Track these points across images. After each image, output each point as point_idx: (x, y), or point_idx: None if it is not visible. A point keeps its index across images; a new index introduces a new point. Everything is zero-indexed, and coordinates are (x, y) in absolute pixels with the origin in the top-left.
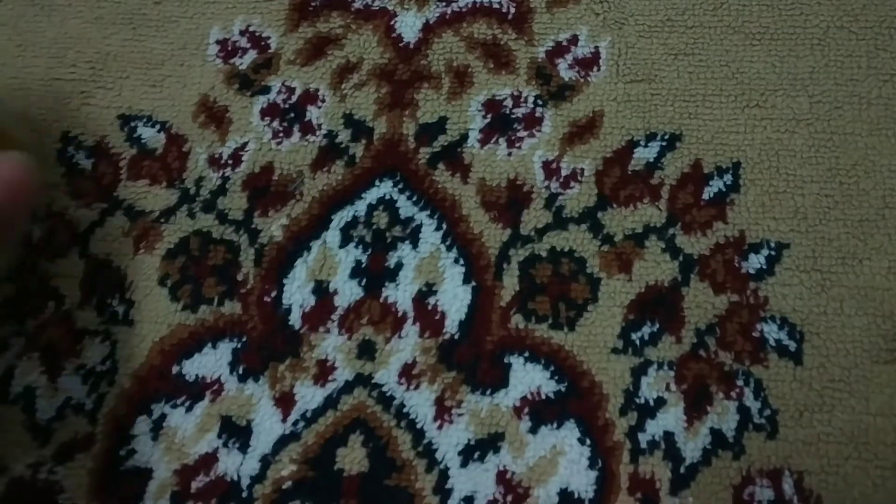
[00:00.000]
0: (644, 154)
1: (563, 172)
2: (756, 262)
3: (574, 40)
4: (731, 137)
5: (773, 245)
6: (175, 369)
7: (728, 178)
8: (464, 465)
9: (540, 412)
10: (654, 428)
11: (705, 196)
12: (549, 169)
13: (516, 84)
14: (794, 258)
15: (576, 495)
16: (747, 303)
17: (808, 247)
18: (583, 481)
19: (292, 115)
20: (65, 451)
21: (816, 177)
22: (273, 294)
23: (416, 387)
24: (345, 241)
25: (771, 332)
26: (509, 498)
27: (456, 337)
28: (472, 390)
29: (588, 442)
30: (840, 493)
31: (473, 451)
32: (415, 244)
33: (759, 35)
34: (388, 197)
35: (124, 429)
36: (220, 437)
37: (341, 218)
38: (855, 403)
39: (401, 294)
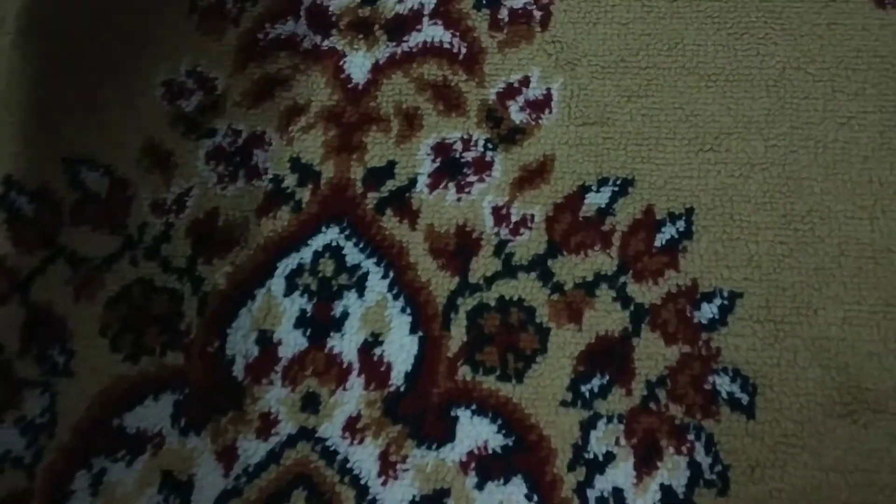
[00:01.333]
0: (595, 199)
1: (513, 218)
2: (709, 311)
3: (526, 81)
4: (684, 182)
5: (726, 294)
6: (116, 422)
7: (681, 224)
8: None
9: (487, 467)
10: (603, 483)
11: (657, 243)
12: (499, 215)
13: (466, 127)
14: (747, 308)
15: None
16: (699, 354)
17: (761, 296)
18: None
19: (238, 158)
20: None
21: (771, 223)
22: (216, 344)
23: (361, 441)
24: (290, 289)
25: (723, 384)
26: None
27: (402, 389)
28: (417, 444)
29: (535, 498)
30: None
31: None
32: (361, 293)
33: (714, 76)
34: (334, 244)
35: (63, 484)
36: (160, 492)
37: (286, 265)
38: (808, 459)
39: (346, 344)
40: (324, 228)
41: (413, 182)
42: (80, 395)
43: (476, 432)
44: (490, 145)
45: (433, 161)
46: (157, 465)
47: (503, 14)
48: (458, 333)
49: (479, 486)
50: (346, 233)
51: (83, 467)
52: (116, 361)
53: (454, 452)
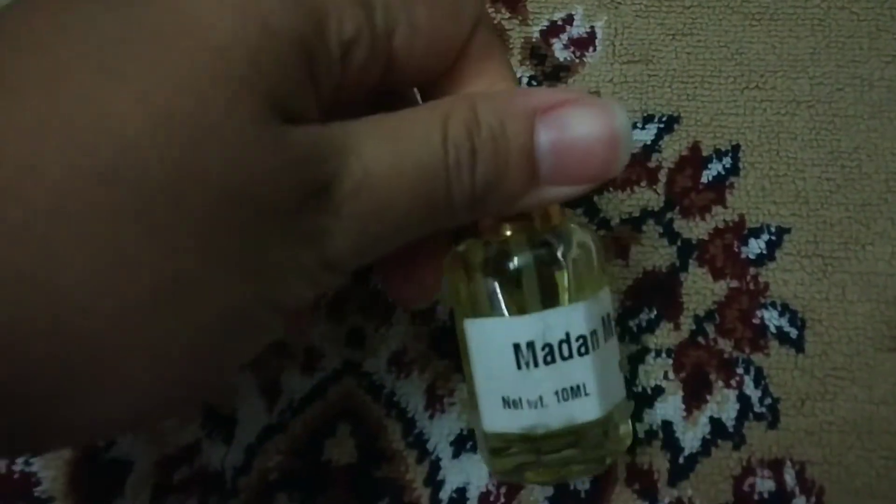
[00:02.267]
0: (641, 136)
1: None
2: (756, 247)
3: (569, 20)
4: (730, 120)
5: (773, 230)
6: None
7: (727, 161)
8: (456, 455)
9: None
10: (653, 417)
11: (704, 179)
12: None
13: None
14: (794, 243)
15: (572, 486)
16: (747, 289)
17: (809, 231)
18: None
19: None
20: None
21: (818, 160)
22: None
23: (407, 375)
24: None
25: (772, 318)
26: (503, 489)
27: (448, 324)
28: (463, 378)
29: None
30: (843, 484)
31: (466, 442)
32: None
33: (758, 15)
34: None
35: None
36: (203, 427)
37: None
38: (858, 392)
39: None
40: None
41: None
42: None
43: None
44: (534, 83)
45: None
46: (198, 402)
47: None
48: None
49: None
50: None
51: None
52: None
53: None
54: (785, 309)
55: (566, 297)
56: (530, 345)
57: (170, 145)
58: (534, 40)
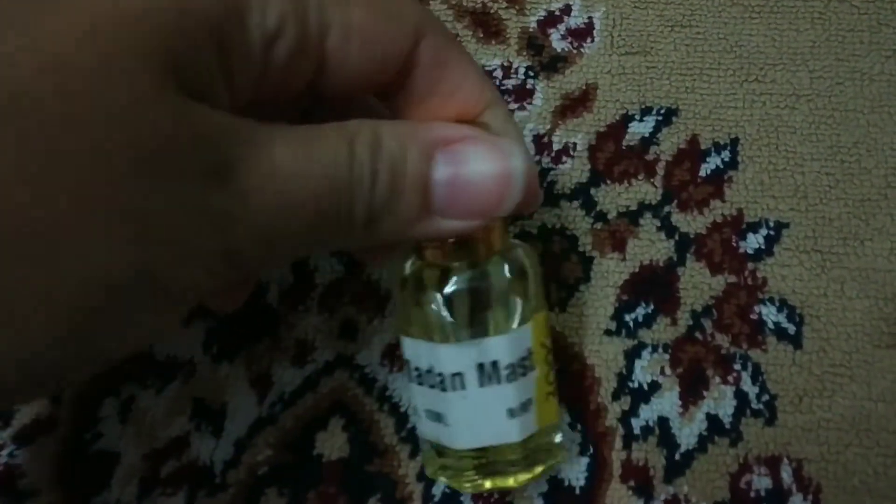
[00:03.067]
0: (639, 129)
1: (555, 147)
2: (754, 241)
3: (567, 10)
4: (728, 113)
5: (771, 224)
6: (145, 349)
7: (726, 154)
8: None
9: None
10: (648, 413)
11: (702, 173)
12: (541, 143)
13: (507, 54)
14: (793, 238)
15: (566, 482)
16: (745, 284)
17: (808, 226)
18: (573, 468)
19: None
20: (27, 433)
21: (817, 154)
22: None
23: (401, 368)
24: None
25: (769, 314)
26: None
27: None
28: None
29: (579, 427)
30: (840, 482)
31: None
32: None
33: (758, 7)
34: None
35: (90, 411)
36: (192, 420)
37: None
38: (856, 389)
39: (386, 273)
40: None
41: None
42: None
43: None
44: (531, 73)
45: None
46: (188, 393)
47: None
48: None
49: None
50: None
51: (111, 394)
52: None
53: None
54: (783, 304)
55: (493, 326)
56: (440, 372)
57: (56, 92)
58: (531, 30)
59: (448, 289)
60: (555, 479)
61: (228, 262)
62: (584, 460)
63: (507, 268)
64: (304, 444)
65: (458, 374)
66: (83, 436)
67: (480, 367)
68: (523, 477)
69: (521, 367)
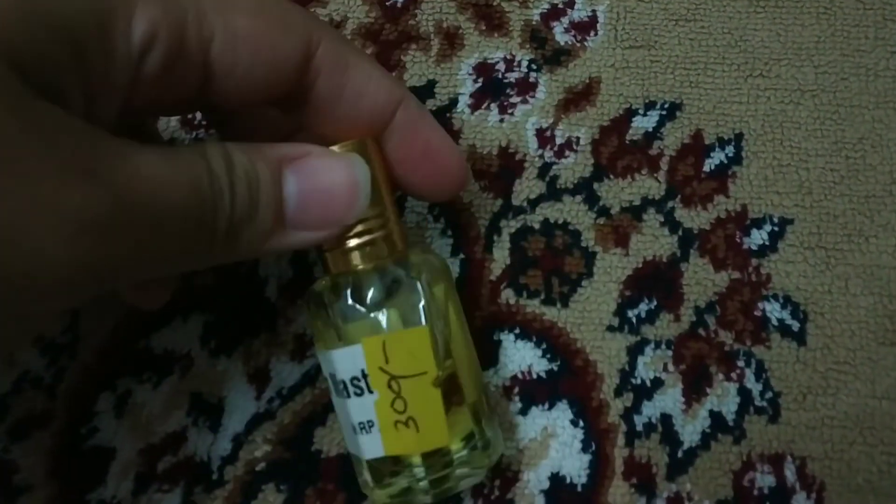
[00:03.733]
0: (643, 123)
1: (558, 141)
2: (758, 237)
3: (570, 3)
4: (733, 108)
5: (776, 220)
6: (142, 343)
7: (730, 149)
8: None
9: (531, 392)
10: (651, 410)
11: (706, 168)
12: (543, 137)
13: (509, 47)
14: (797, 234)
15: (568, 480)
16: (749, 280)
17: (812, 223)
18: (575, 465)
19: None
20: (21, 428)
21: (821, 150)
22: (249, 264)
23: None
24: None
25: (773, 311)
26: (497, 482)
27: None
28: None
29: (581, 424)
30: (844, 480)
31: None
32: (400, 214)
33: (763, 2)
34: None
35: (86, 405)
36: (189, 415)
37: None
38: (860, 386)
39: None
40: None
41: (454, 102)
42: (104, 314)
43: (520, 357)
44: (534, 66)
45: (475, 81)
46: (185, 387)
47: None
48: (500, 256)
49: (523, 412)
50: None
51: (107, 388)
52: None
53: (497, 377)
54: (787, 301)
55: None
56: (336, 378)
57: None
58: (534, 23)
59: (352, 295)
60: (556, 476)
61: (88, 274)
62: (587, 457)
63: (409, 272)
64: (303, 440)
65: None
66: (79, 430)
67: (332, 376)
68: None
69: (354, 387)
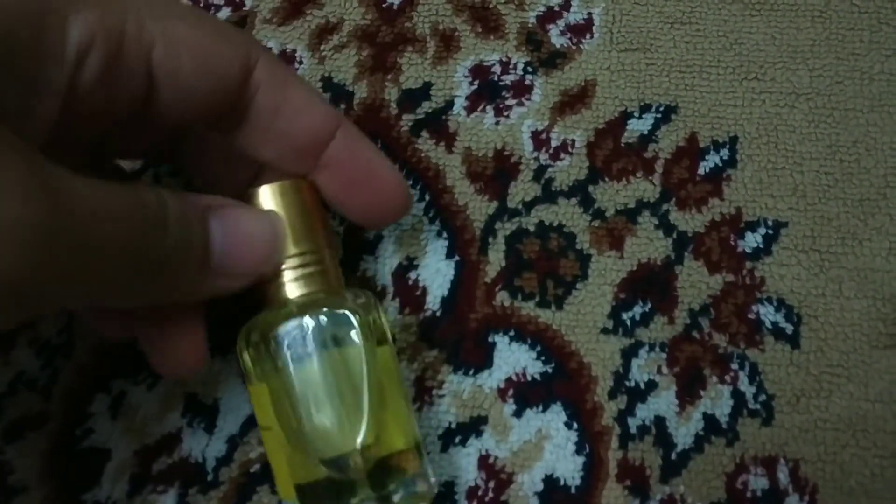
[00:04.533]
0: (638, 126)
1: (553, 143)
2: (753, 240)
3: (566, 5)
4: (728, 111)
5: (770, 223)
6: (137, 344)
7: (725, 152)
8: (444, 449)
9: (525, 394)
10: (645, 412)
11: (701, 171)
12: (539, 139)
13: (505, 50)
14: (791, 237)
15: (562, 482)
16: (743, 283)
17: (806, 226)
18: (569, 467)
19: None
20: (15, 429)
21: (816, 154)
22: None
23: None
24: None
25: (767, 314)
26: (491, 484)
27: (438, 314)
28: (454, 370)
29: (575, 426)
30: (837, 483)
31: (454, 435)
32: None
33: (758, 5)
34: None
35: (81, 406)
36: (184, 416)
37: None
38: (853, 389)
39: (380, 267)
40: None
41: (450, 104)
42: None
43: (514, 359)
44: (530, 69)
45: (471, 83)
46: (180, 389)
47: None
48: (495, 259)
49: (517, 414)
50: None
51: (102, 389)
52: None
53: (492, 379)
54: (781, 304)
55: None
56: None
57: None
58: (529, 26)
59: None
60: (550, 478)
61: (28, 284)
62: (580, 459)
63: (341, 311)
64: None
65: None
66: (74, 432)
67: None
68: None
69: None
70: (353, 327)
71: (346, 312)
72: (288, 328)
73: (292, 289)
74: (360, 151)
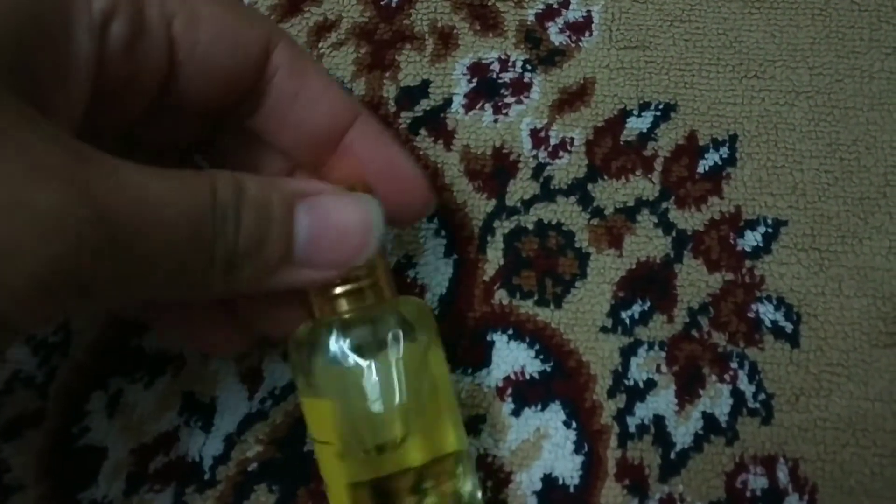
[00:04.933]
0: (637, 124)
1: (552, 141)
2: (752, 239)
3: (565, 3)
4: (727, 109)
5: (770, 222)
6: (134, 342)
7: (724, 151)
8: None
9: (524, 393)
10: (644, 411)
11: (700, 169)
12: (538, 137)
13: (504, 47)
14: (791, 236)
15: (560, 481)
16: (742, 282)
17: (806, 224)
18: (568, 466)
19: None
20: (12, 427)
21: (816, 152)
22: None
23: None
24: None
25: (767, 312)
26: (489, 483)
27: (436, 312)
28: (452, 369)
29: (574, 425)
30: (837, 482)
31: None
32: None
33: (758, 3)
34: None
35: (77, 404)
36: (181, 414)
37: None
38: (853, 388)
39: None
40: None
41: (448, 102)
42: (97, 313)
43: (513, 357)
44: (528, 66)
45: (469, 81)
46: (177, 387)
47: None
48: (494, 257)
49: (516, 413)
50: None
51: (99, 387)
52: None
53: (490, 377)
54: (780, 303)
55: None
56: None
57: None
58: (528, 23)
59: (335, 341)
60: (549, 477)
61: (66, 279)
62: (579, 458)
63: (393, 321)
64: (295, 440)
65: None
66: (70, 430)
67: None
68: None
69: None
70: (401, 338)
71: (397, 325)
72: (339, 340)
73: (343, 300)
74: (380, 143)
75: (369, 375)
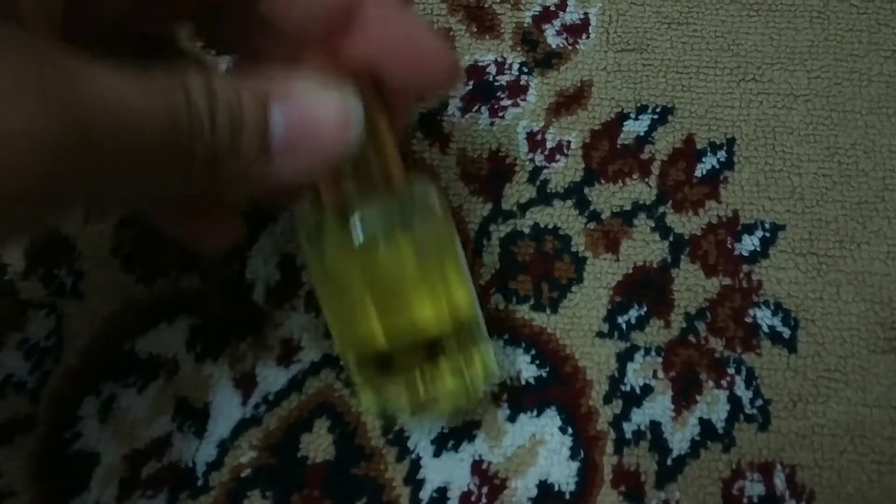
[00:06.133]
0: (634, 127)
1: (549, 145)
2: (750, 243)
3: (562, 5)
4: (725, 112)
5: (767, 226)
6: (127, 346)
7: (722, 154)
8: (437, 454)
9: (519, 399)
10: (640, 417)
11: (698, 173)
12: (534, 140)
13: (500, 50)
14: (789, 240)
15: (556, 487)
16: (740, 286)
17: (804, 229)
18: (563, 472)
19: None
20: (4, 432)
21: (814, 156)
22: (236, 267)
23: None
24: None
25: (764, 317)
26: (485, 490)
27: None
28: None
29: (570, 431)
30: (834, 489)
31: (447, 440)
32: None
33: (756, 5)
34: None
35: (69, 410)
36: (174, 420)
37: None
38: (851, 394)
39: None
40: None
41: (444, 105)
42: (89, 317)
43: (508, 363)
44: (525, 69)
45: (465, 84)
46: (170, 392)
47: None
48: (490, 261)
49: (511, 419)
50: None
51: (91, 393)
52: (129, 283)
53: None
54: (778, 308)
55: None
56: None
57: None
58: (525, 26)
59: (347, 224)
60: (544, 484)
61: (53, 184)
62: (575, 465)
63: (403, 201)
64: (289, 446)
65: None
66: (62, 435)
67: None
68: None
69: None
70: (414, 217)
71: (408, 205)
72: (351, 222)
73: (352, 183)
74: (397, 16)
75: (383, 254)
